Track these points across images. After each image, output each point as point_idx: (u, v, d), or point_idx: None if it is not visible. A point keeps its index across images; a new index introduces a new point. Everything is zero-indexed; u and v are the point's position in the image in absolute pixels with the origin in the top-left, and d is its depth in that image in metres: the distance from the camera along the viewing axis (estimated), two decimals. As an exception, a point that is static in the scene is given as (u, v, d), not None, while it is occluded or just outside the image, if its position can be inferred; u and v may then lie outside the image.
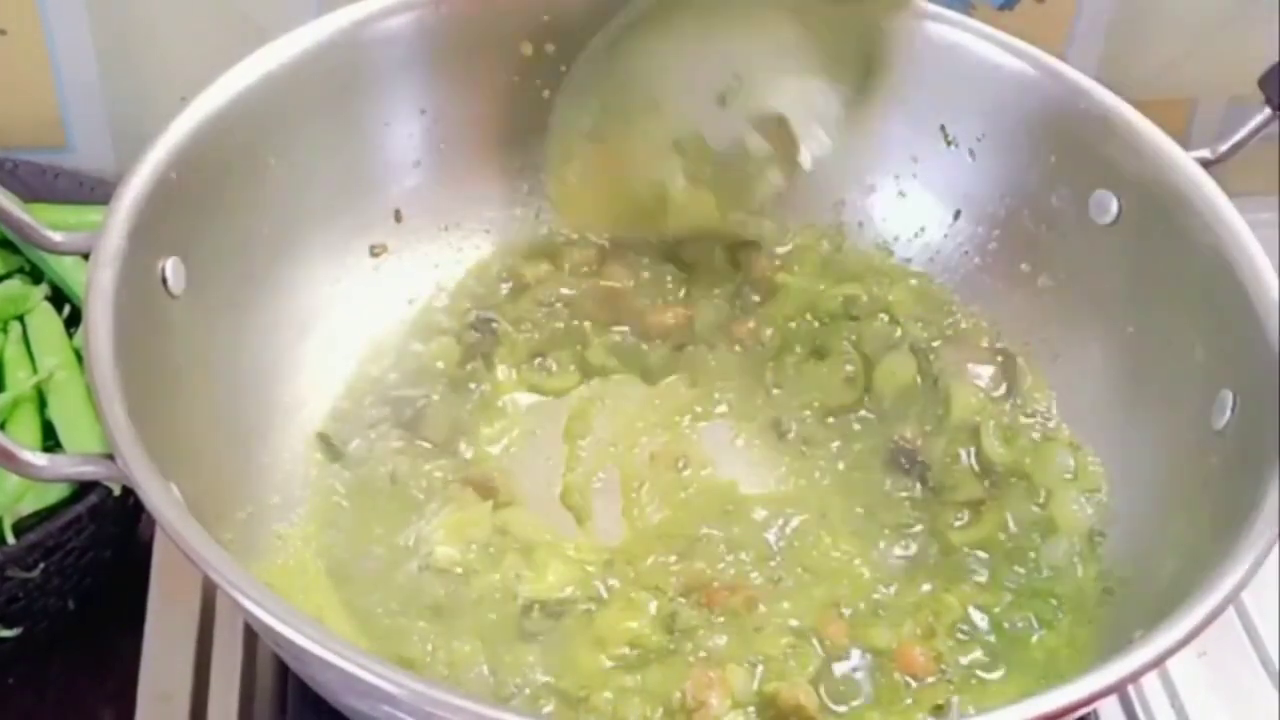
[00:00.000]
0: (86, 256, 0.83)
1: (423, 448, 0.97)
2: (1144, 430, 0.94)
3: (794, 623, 0.90)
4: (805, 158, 1.02)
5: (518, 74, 1.03)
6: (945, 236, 1.05)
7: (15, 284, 1.03)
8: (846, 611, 0.91)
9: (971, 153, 1.03)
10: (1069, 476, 0.96)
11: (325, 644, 0.70)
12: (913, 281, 1.05)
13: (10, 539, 0.90)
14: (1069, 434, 0.98)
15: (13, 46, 1.11)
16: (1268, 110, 0.97)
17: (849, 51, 1.01)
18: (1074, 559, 0.93)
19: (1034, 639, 0.90)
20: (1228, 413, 0.87)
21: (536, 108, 1.04)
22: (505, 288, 1.05)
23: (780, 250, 1.06)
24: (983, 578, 0.93)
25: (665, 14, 1.00)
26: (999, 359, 1.01)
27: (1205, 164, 0.94)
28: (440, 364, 1.00)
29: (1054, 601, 0.91)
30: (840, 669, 0.88)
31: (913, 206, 1.06)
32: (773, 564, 0.93)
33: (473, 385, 1.00)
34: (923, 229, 1.05)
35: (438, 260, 1.05)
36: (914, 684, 0.88)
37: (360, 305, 1.01)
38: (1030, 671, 0.89)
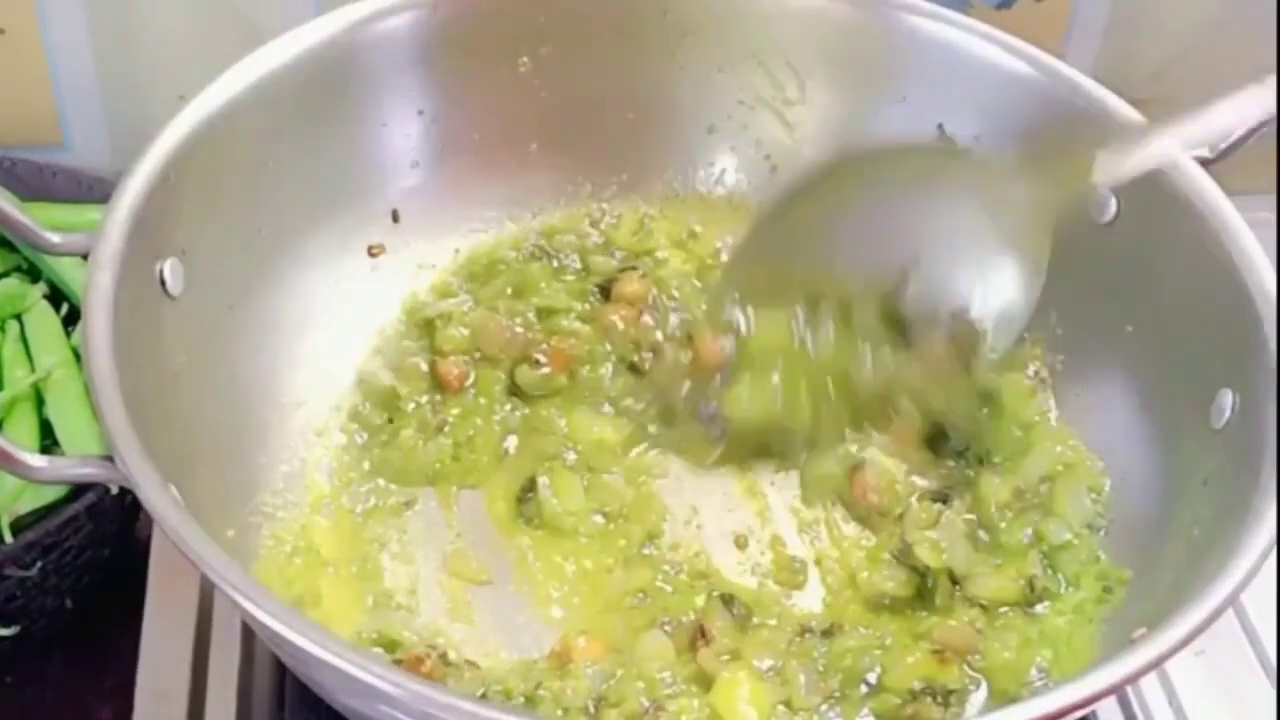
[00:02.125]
0: (85, 257, 0.82)
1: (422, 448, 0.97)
2: (1143, 429, 0.94)
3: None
4: (981, 361, 0.97)
5: (515, 74, 1.03)
6: (944, 236, 1.05)
7: (13, 282, 1.03)
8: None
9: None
10: (1068, 475, 0.96)
11: (323, 643, 0.70)
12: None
13: (8, 537, 0.90)
14: (1068, 433, 0.98)
15: (10, 44, 1.11)
16: (1266, 109, 0.97)
17: (1027, 228, 0.95)
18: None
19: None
20: (1227, 412, 0.86)
21: (534, 108, 1.04)
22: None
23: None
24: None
25: (836, 184, 0.95)
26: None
27: (1204, 163, 0.94)
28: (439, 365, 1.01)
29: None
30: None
31: (911, 206, 1.06)
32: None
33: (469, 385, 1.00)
34: (921, 228, 1.05)
35: (435, 261, 1.04)
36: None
37: (358, 306, 1.01)
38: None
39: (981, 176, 0.96)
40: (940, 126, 1.03)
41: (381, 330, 1.01)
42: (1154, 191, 0.93)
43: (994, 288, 0.96)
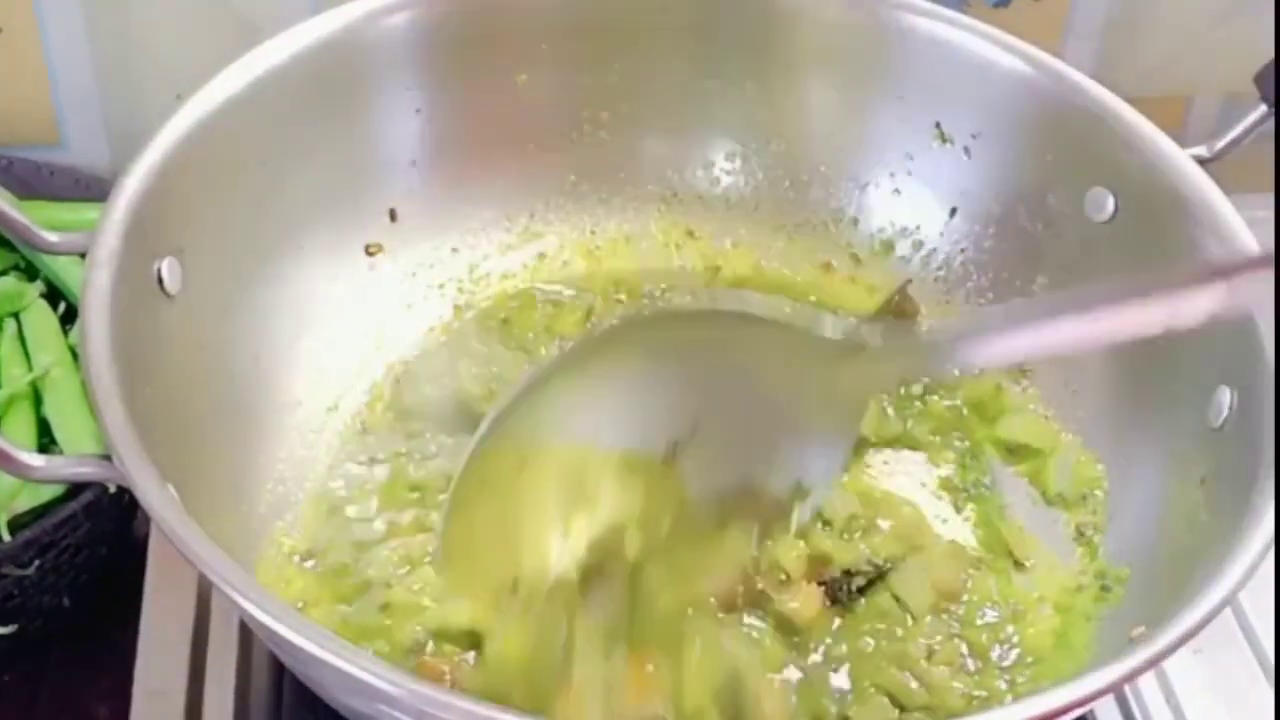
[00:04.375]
0: (82, 256, 0.82)
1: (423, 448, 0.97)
2: (1141, 428, 0.94)
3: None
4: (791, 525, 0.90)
5: (513, 74, 1.03)
6: (941, 234, 1.05)
7: (10, 281, 1.03)
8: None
9: (967, 150, 1.03)
10: (1067, 474, 0.96)
11: (321, 642, 0.70)
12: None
13: (5, 536, 0.90)
14: (1066, 432, 0.98)
15: (7, 42, 1.11)
16: (1263, 107, 0.97)
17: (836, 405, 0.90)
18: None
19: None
20: (1225, 410, 0.86)
21: (531, 107, 1.04)
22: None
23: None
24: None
25: (610, 349, 0.89)
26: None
27: (1202, 161, 0.94)
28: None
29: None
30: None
31: (908, 204, 1.06)
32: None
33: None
34: (918, 227, 1.05)
35: (433, 260, 1.04)
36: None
37: (356, 305, 1.01)
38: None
39: (795, 351, 0.90)
40: (937, 125, 1.03)
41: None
42: (1150, 189, 0.94)
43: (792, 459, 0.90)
